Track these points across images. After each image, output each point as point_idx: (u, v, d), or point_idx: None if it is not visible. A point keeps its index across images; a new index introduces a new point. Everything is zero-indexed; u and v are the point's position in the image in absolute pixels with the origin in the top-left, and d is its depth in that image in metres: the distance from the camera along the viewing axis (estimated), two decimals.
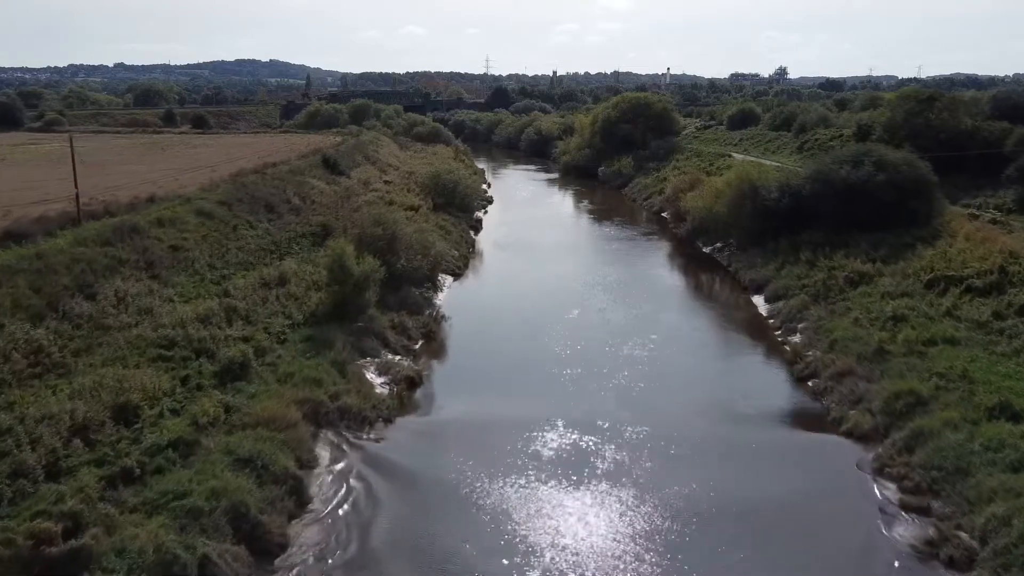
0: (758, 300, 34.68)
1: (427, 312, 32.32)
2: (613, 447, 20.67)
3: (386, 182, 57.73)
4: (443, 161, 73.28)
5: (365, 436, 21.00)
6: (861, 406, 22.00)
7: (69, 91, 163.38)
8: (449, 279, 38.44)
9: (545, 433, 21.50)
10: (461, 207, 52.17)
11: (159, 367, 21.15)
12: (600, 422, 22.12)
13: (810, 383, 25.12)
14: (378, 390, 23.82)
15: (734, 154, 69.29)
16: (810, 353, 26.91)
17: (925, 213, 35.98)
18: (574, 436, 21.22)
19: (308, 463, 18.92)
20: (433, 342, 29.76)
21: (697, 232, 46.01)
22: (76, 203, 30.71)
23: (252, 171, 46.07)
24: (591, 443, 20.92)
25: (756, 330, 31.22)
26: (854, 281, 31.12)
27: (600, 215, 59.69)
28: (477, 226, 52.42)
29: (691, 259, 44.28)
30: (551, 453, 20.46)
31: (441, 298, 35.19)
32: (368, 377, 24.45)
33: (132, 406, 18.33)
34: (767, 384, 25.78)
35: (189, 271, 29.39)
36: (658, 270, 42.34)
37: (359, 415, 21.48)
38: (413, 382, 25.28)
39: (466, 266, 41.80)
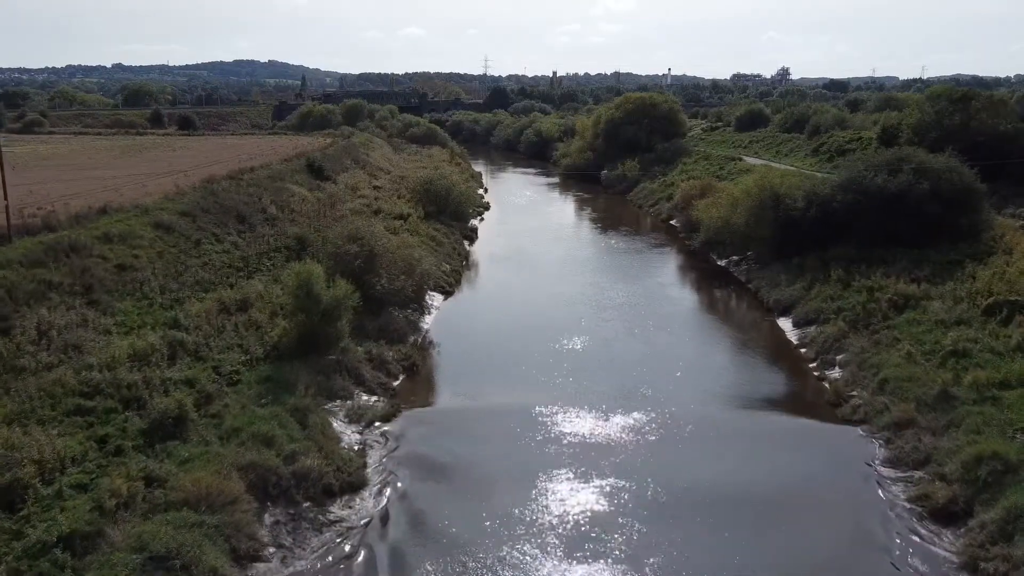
0: (785, 324, 30.79)
1: (411, 339, 28.45)
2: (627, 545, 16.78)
3: (375, 187, 53.87)
4: (437, 164, 69.52)
5: (326, 510, 17.07)
6: (930, 468, 18.12)
7: (57, 91, 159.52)
8: (439, 297, 34.54)
9: (539, 511, 17.62)
10: (455, 215, 48.36)
11: (72, 423, 17.26)
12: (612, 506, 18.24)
13: (860, 431, 21.26)
14: (345, 444, 19.90)
15: (745, 157, 65.54)
16: (855, 394, 23.03)
17: (972, 226, 32.14)
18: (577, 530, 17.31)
19: (249, 553, 15.01)
20: (416, 376, 25.86)
21: (711, 244, 42.15)
22: (7, 216, 26.81)
23: (226, 177, 42.19)
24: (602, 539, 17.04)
25: (788, 362, 27.27)
26: (898, 305, 27.24)
27: (604, 223, 55.80)
28: (472, 236, 48.55)
29: (705, 274, 40.39)
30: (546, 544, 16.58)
31: (428, 321, 31.27)
32: (335, 427, 20.52)
33: (21, 484, 14.44)
34: (814, 439, 21.73)
35: (136, 295, 25.44)
36: (669, 289, 38.36)
37: (319, 481, 17.54)
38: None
39: (458, 282, 37.88)
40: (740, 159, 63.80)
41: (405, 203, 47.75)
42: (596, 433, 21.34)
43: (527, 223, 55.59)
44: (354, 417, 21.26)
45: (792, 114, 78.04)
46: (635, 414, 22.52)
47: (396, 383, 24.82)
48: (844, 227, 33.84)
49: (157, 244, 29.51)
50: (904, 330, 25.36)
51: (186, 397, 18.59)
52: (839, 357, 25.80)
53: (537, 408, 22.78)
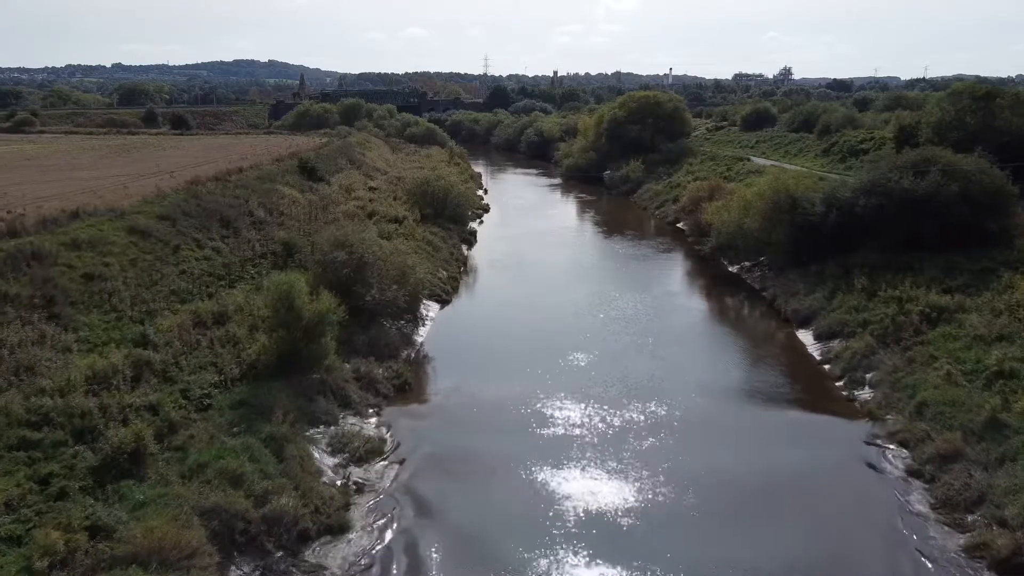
0: (805, 337, 28.70)
1: (404, 354, 26.41)
2: None
3: (371, 189, 51.82)
4: (436, 165, 67.51)
5: (300, 560, 14.98)
6: (985, 511, 16.02)
7: (51, 90, 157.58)
8: (435, 307, 32.44)
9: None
10: (453, 218, 46.25)
11: (13, 460, 15.15)
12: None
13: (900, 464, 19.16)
14: (327, 479, 17.80)
15: (752, 158, 63.48)
16: (890, 418, 20.94)
17: (1003, 231, 30.08)
18: None
19: None
20: (408, 396, 23.76)
21: (722, 249, 40.07)
22: None
23: (212, 178, 40.13)
24: None
25: (810, 379, 25.18)
26: (931, 318, 25.14)
27: (608, 227, 53.67)
28: (470, 240, 46.45)
29: (716, 281, 38.32)
30: None
31: (423, 333, 29.17)
32: (316, 459, 18.42)
33: None
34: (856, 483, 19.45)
35: (104, 307, 23.32)
36: (679, 298, 36.18)
37: (294, 526, 15.44)
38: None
39: (456, 290, 35.77)
40: (748, 159, 61.79)
41: (401, 205, 45.75)
42: (606, 464, 19.29)
43: (528, 226, 53.49)
44: (338, 446, 19.15)
45: (800, 113, 76.02)
46: (650, 439, 20.53)
47: (386, 404, 22.70)
48: (866, 232, 31.81)
49: (131, 251, 27.42)
50: (940, 346, 23.28)
51: (146, 428, 16.45)
52: (869, 376, 23.71)
53: (541, 431, 20.81)
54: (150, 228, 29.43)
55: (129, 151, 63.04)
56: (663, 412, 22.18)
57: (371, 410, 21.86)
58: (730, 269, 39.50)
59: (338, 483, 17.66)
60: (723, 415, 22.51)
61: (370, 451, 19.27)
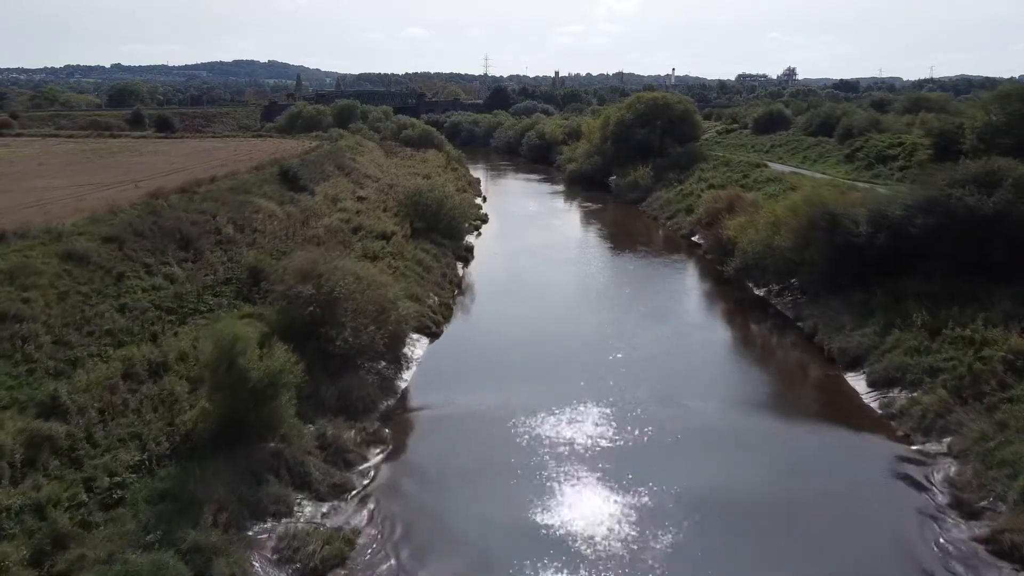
0: (857, 383, 24.33)
1: (383, 407, 22.11)
2: None
3: (359, 199, 47.52)
4: (431, 170, 63.34)
5: None
6: None
7: (40, 91, 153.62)
8: (423, 342, 28.10)
9: None
10: (447, 232, 41.88)
11: None
12: None
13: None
14: None
15: (769, 163, 59.25)
16: (985, 504, 16.68)
17: None
18: None
19: None
20: (385, 463, 19.43)
21: (747, 269, 35.72)
22: None
23: (177, 190, 35.86)
24: None
25: (871, 439, 20.86)
26: (1016, 367, 20.86)
27: (616, 240, 49.31)
28: (466, 256, 42.09)
29: (741, 306, 34.01)
30: None
31: (407, 378, 24.74)
32: (255, 573, 14.15)
33: None
34: None
35: (14, 358, 18.99)
36: (703, 331, 31.39)
37: None
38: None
39: (448, 319, 31.43)
40: (765, 165, 57.48)
41: (391, 218, 41.53)
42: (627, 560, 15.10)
43: (530, 239, 49.09)
44: (287, 552, 14.84)
45: (817, 115, 72.01)
46: (682, 522, 16.30)
47: (358, 479, 18.35)
48: (918, 255, 27.57)
49: (61, 282, 23.12)
50: None
51: (15, 550, 12.21)
52: (947, 441, 19.42)
53: (551, 521, 16.61)
54: (89, 253, 25.12)
55: (103, 156, 58.80)
56: (701, 495, 17.90)
57: (337, 491, 17.52)
58: (756, 292, 35.21)
59: None
60: (776, 490, 18.26)
61: (331, 556, 14.96)
